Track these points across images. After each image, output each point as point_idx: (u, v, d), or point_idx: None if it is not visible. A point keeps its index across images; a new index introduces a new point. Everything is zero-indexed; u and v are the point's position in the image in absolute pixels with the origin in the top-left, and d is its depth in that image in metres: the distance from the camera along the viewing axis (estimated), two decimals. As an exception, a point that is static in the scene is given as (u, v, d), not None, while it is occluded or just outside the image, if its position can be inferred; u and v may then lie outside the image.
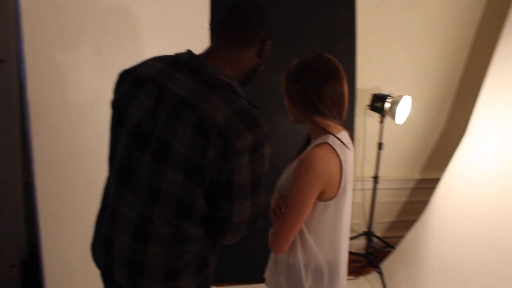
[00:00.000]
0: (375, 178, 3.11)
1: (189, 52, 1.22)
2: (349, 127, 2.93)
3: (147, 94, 1.17)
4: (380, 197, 3.36)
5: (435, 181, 3.03)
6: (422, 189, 3.42)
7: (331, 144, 1.34)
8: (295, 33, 2.78)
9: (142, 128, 1.16)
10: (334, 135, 1.36)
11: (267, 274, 1.51)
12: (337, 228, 1.40)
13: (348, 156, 1.39)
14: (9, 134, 2.29)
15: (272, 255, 1.49)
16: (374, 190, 3.14)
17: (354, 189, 3.17)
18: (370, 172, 3.18)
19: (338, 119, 1.41)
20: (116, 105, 1.27)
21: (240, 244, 1.37)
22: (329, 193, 1.34)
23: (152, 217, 1.18)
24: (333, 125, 1.39)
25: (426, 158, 3.47)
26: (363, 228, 3.28)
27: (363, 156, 3.21)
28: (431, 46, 3.20)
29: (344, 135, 1.41)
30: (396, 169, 3.42)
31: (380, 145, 3.06)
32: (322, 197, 1.34)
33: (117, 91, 1.27)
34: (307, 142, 1.47)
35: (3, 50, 2.20)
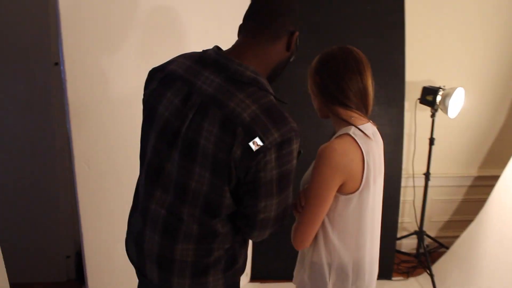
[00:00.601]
0: (427, 175, 2.97)
1: (216, 49, 1.22)
2: (398, 122, 2.82)
3: (176, 92, 1.19)
4: (434, 195, 3.20)
5: (494, 179, 2.83)
6: (480, 187, 3.22)
7: (352, 135, 1.29)
8: (341, 25, 2.71)
9: (171, 126, 1.18)
10: (356, 126, 1.31)
11: (295, 271, 1.49)
12: (361, 223, 1.35)
13: (372, 148, 1.33)
14: (65, 133, 2.41)
15: (300, 252, 1.46)
16: (426, 187, 3.00)
17: (405, 187, 3.10)
18: (421, 169, 3.03)
19: (364, 112, 1.35)
20: (146, 103, 1.29)
21: (271, 240, 1.36)
22: (351, 186, 1.29)
23: (181, 214, 1.19)
24: (357, 117, 1.34)
25: (484, 154, 3.26)
26: (415, 227, 3.15)
27: (414, 152, 3.07)
28: (488, 33, 2.99)
29: (368, 126, 1.35)
30: (451, 166, 3.24)
31: (431, 141, 2.91)
32: (343, 190, 1.30)
33: (146, 89, 1.30)
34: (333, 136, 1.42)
35: (57, 54, 2.33)
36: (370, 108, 1.38)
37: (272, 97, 1.16)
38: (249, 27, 1.22)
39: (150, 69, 1.30)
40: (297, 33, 1.25)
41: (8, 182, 2.59)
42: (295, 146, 1.14)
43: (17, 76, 2.52)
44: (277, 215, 1.20)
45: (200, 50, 1.27)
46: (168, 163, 1.19)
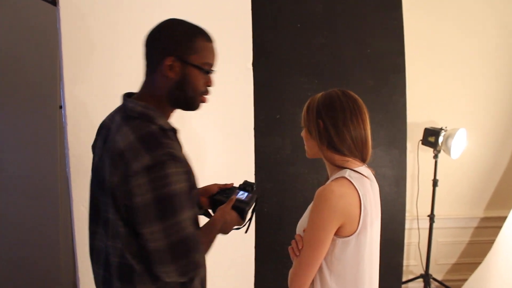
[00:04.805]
0: (431, 217, 2.92)
1: (125, 93, 1.31)
2: (400, 163, 2.80)
3: (100, 139, 1.31)
4: (439, 237, 3.15)
5: (501, 220, 2.79)
6: (487, 228, 3.16)
7: (348, 178, 1.29)
8: (341, 66, 2.74)
9: (97, 168, 1.28)
10: (351, 169, 1.31)
11: None
12: (359, 267, 1.32)
13: (368, 190, 1.32)
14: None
15: None
16: (430, 229, 2.95)
17: (409, 229, 3.05)
18: (426, 210, 2.99)
19: (359, 158, 1.35)
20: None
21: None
22: (348, 229, 1.28)
23: (109, 248, 1.22)
24: (351, 161, 1.34)
25: (489, 195, 3.22)
26: (421, 271, 3.08)
27: (417, 193, 3.04)
28: (489, 73, 3.02)
29: (363, 169, 1.35)
30: (456, 207, 3.20)
31: (435, 182, 2.89)
32: (340, 233, 1.28)
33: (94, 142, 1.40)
34: (327, 179, 1.42)
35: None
36: (369, 155, 1.38)
37: (154, 127, 1.20)
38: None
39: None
40: (169, 58, 1.21)
41: (10, 225, 2.59)
42: (171, 170, 1.13)
43: (22, 119, 2.56)
44: (172, 246, 1.15)
45: None
46: (99, 201, 1.27)
